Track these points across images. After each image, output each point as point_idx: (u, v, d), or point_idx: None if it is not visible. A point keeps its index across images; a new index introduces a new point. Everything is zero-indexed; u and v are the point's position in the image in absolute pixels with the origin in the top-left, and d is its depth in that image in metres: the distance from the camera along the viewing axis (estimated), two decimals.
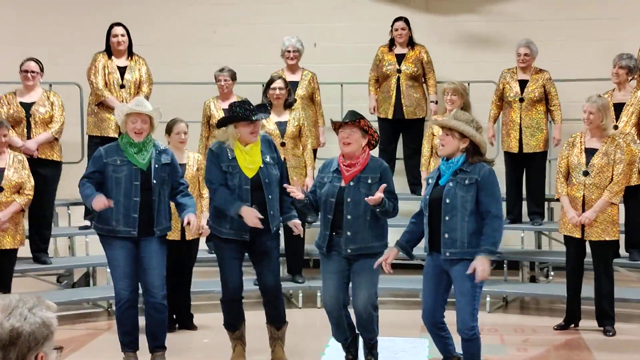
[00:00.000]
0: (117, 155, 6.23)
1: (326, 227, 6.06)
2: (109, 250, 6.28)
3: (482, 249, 5.51)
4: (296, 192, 5.97)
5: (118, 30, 8.84)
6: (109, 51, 8.86)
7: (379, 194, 5.78)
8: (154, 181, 6.22)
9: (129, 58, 8.89)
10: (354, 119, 6.00)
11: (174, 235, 7.47)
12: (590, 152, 7.37)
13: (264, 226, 6.14)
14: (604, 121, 7.30)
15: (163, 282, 6.36)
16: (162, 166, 6.28)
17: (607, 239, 7.39)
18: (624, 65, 8.19)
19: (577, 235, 7.41)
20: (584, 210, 7.33)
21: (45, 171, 8.26)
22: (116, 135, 8.64)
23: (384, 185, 5.84)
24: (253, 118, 6.16)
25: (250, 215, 6.08)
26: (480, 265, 5.47)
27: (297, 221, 6.44)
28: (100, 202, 6.04)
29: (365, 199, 5.84)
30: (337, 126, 6.11)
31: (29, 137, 8.23)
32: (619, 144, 7.35)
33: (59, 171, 8.54)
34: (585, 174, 7.33)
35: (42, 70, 8.39)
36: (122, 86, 8.78)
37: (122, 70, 8.83)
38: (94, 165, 6.27)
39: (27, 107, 8.28)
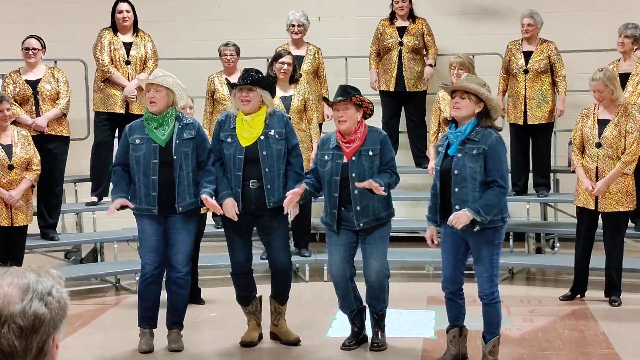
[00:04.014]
0: (138, 133, 6.26)
1: (333, 204, 6.12)
2: (139, 224, 6.37)
3: (471, 205, 5.48)
4: (291, 212, 6.12)
5: (123, 6, 8.82)
6: (115, 27, 8.85)
7: (371, 183, 5.86)
8: (175, 157, 6.23)
9: (135, 34, 8.88)
10: (345, 96, 6.04)
11: None
12: (602, 124, 7.32)
13: (260, 201, 6.22)
14: (615, 93, 7.27)
15: (188, 258, 6.37)
16: (184, 141, 6.25)
17: (622, 209, 7.37)
18: (629, 34, 8.16)
19: (591, 207, 7.39)
20: (597, 182, 7.32)
21: (54, 147, 8.29)
22: (122, 111, 8.73)
23: (369, 181, 5.90)
24: (242, 81, 6.18)
25: (229, 209, 6.16)
26: (459, 215, 5.46)
27: (290, 196, 6.10)
28: (113, 206, 6.28)
29: (358, 184, 5.92)
30: (331, 104, 6.16)
31: (37, 115, 8.23)
32: (631, 114, 7.31)
33: (67, 146, 8.56)
34: (598, 145, 7.30)
35: (43, 47, 8.37)
36: (127, 62, 8.78)
37: (127, 46, 8.82)
38: (121, 147, 6.34)
39: (33, 84, 8.28)
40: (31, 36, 8.40)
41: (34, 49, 8.30)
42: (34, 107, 8.24)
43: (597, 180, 7.31)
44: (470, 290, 5.95)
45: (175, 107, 6.32)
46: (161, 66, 8.88)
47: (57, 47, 9.62)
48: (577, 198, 7.54)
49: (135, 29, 8.88)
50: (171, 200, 6.24)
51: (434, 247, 5.96)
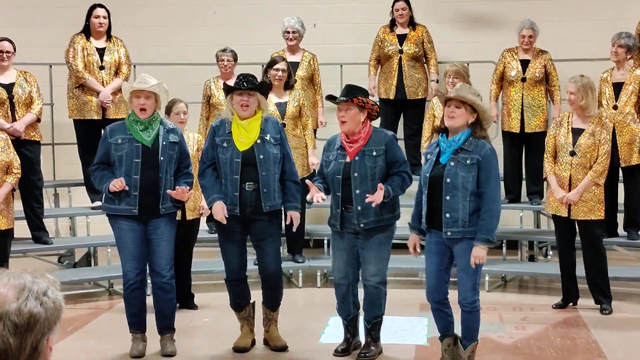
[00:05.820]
0: (120, 134, 6.24)
1: (337, 204, 6.11)
2: (116, 230, 6.30)
3: (479, 237, 5.52)
4: (317, 196, 5.99)
5: (100, 11, 8.79)
6: (87, 32, 8.81)
7: (379, 194, 5.85)
8: (161, 158, 6.22)
9: (108, 40, 8.85)
10: (347, 97, 6.04)
11: None
12: (577, 132, 7.35)
13: (256, 204, 6.21)
14: (583, 101, 7.25)
15: (170, 262, 6.38)
16: (171, 144, 6.28)
17: (593, 218, 7.38)
18: (623, 43, 8.17)
19: (564, 214, 7.41)
20: (570, 190, 7.33)
21: (28, 151, 8.22)
22: (99, 118, 8.70)
23: (380, 184, 5.91)
24: (244, 86, 6.20)
25: (218, 212, 6.16)
26: (477, 254, 5.51)
27: (296, 213, 6.34)
28: (114, 185, 6.10)
29: (367, 200, 5.90)
30: (334, 103, 6.16)
31: (13, 119, 8.17)
32: (605, 125, 7.35)
33: (40, 150, 8.50)
34: (572, 154, 7.32)
35: (14, 50, 8.32)
36: (101, 67, 8.75)
37: (101, 51, 8.78)
38: (101, 148, 6.31)
39: (7, 88, 8.21)
40: (3, 38, 8.33)
41: (7, 51, 8.24)
42: (9, 112, 8.18)
43: (570, 188, 7.33)
44: (453, 296, 5.87)
45: (158, 111, 6.36)
46: (156, 71, 8.88)
47: (51, 51, 9.64)
48: (550, 205, 7.56)
49: (109, 35, 8.86)
50: (153, 203, 6.21)
51: (416, 255, 5.96)
